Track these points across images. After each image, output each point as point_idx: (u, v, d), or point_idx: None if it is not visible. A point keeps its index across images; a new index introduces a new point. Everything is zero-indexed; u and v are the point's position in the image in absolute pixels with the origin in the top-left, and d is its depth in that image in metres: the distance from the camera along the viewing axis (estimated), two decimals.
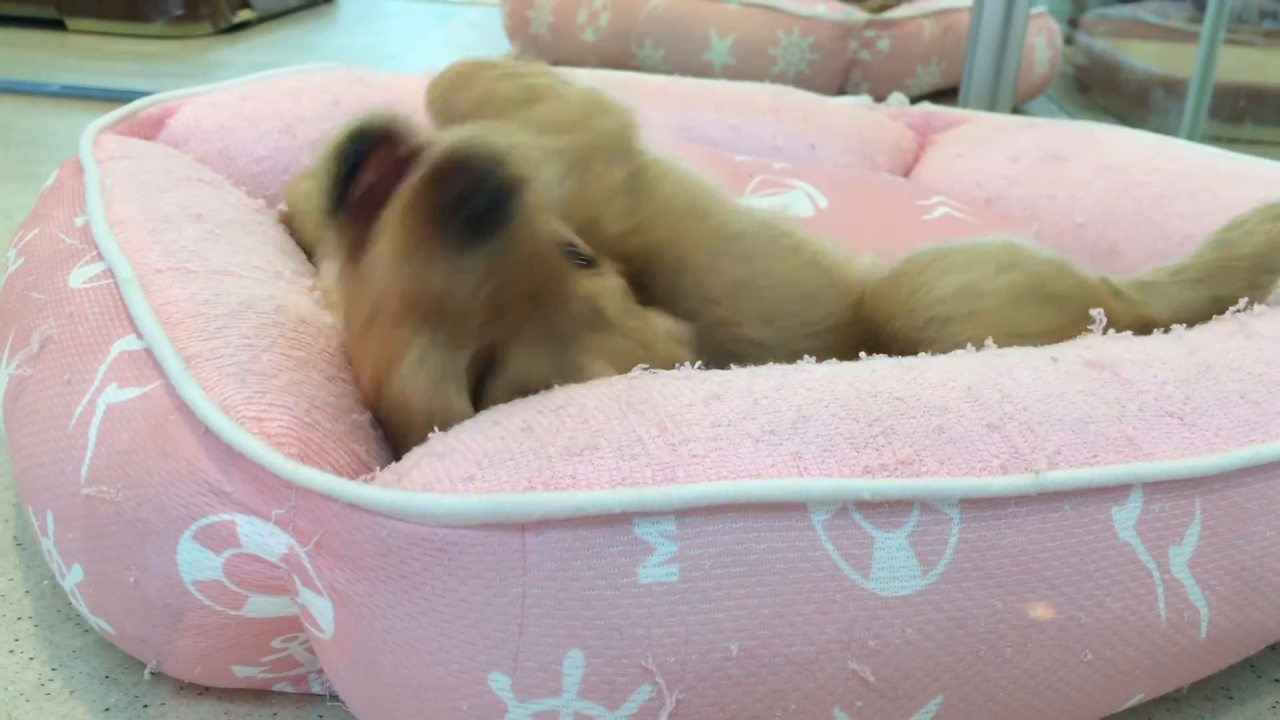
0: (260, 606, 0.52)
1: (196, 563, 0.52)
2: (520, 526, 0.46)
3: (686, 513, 0.47)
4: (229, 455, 0.51)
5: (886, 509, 0.49)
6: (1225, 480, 0.55)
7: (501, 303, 0.50)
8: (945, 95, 2.05)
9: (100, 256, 0.65)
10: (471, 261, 0.47)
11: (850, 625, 0.48)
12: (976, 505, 0.50)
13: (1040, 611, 0.50)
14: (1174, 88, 1.96)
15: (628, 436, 0.49)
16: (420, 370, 0.50)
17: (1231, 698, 0.64)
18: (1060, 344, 0.62)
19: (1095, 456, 0.52)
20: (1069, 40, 2.48)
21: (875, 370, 0.55)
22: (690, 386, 0.52)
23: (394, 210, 0.48)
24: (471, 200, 0.47)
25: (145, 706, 0.59)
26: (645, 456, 0.48)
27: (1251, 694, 0.64)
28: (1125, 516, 0.52)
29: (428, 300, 0.49)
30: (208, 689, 0.60)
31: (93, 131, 0.84)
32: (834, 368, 0.56)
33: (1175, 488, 0.53)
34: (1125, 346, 0.61)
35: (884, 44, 2.05)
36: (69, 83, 1.95)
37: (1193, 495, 0.54)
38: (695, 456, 0.48)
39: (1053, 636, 0.51)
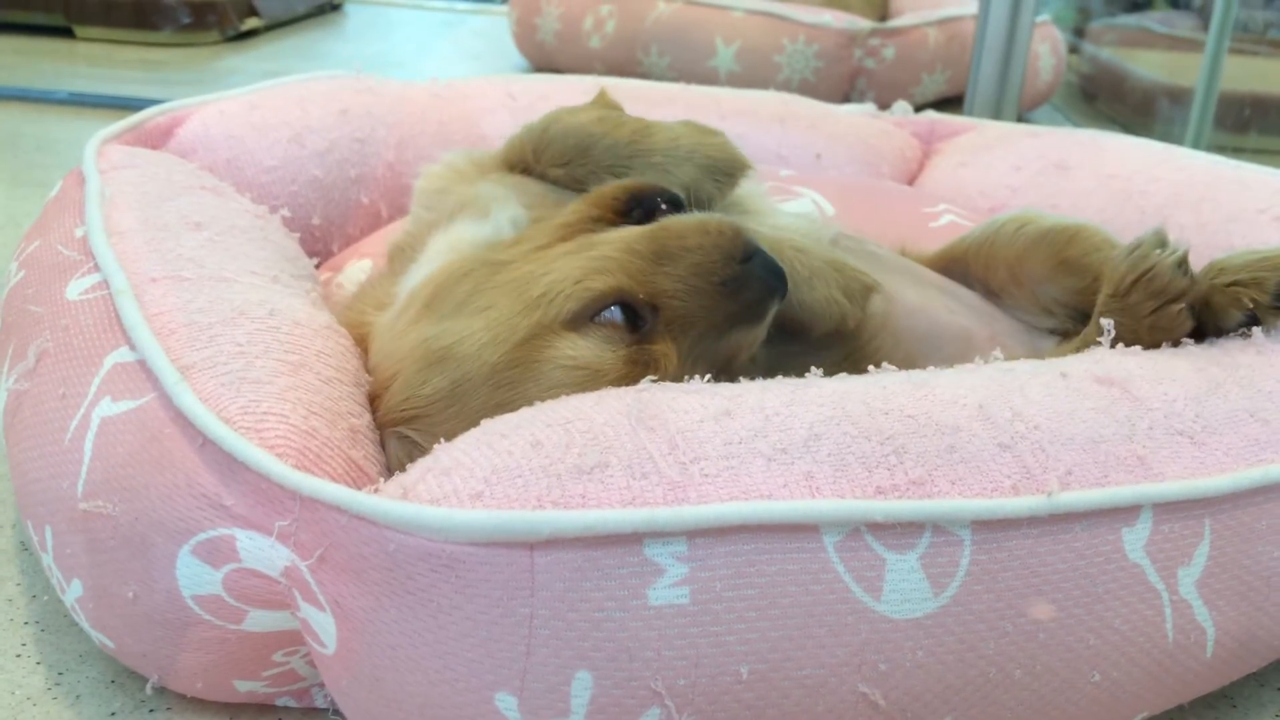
0: (261, 621, 0.52)
1: (196, 577, 0.51)
2: (529, 545, 0.45)
3: (698, 534, 0.46)
4: (229, 467, 0.50)
5: (899, 530, 0.48)
6: (1235, 500, 0.55)
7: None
8: (950, 103, 2.05)
9: (97, 268, 0.64)
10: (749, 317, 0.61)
11: (861, 648, 0.47)
12: (988, 526, 0.49)
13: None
14: (1179, 97, 1.96)
15: (638, 454, 0.48)
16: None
17: (1235, 706, 0.64)
18: (1069, 358, 0.62)
19: (1106, 477, 0.52)
20: (1074, 49, 2.48)
21: (886, 386, 0.55)
22: (700, 402, 0.52)
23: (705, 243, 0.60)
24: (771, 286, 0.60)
25: (150, 711, 0.59)
26: (656, 475, 0.47)
27: (1255, 703, 0.64)
28: (1135, 537, 0.52)
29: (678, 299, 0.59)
30: None
31: (97, 142, 0.84)
32: (845, 383, 0.55)
33: (1185, 508, 0.53)
34: (1135, 362, 0.61)
35: (889, 52, 2.05)
36: (77, 90, 1.95)
37: (1202, 515, 0.54)
38: (707, 476, 0.48)
39: (1061, 658, 0.51)
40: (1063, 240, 0.78)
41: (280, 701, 0.59)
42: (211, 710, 0.59)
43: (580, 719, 0.46)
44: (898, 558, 0.48)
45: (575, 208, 0.67)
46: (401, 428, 0.58)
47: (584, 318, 0.58)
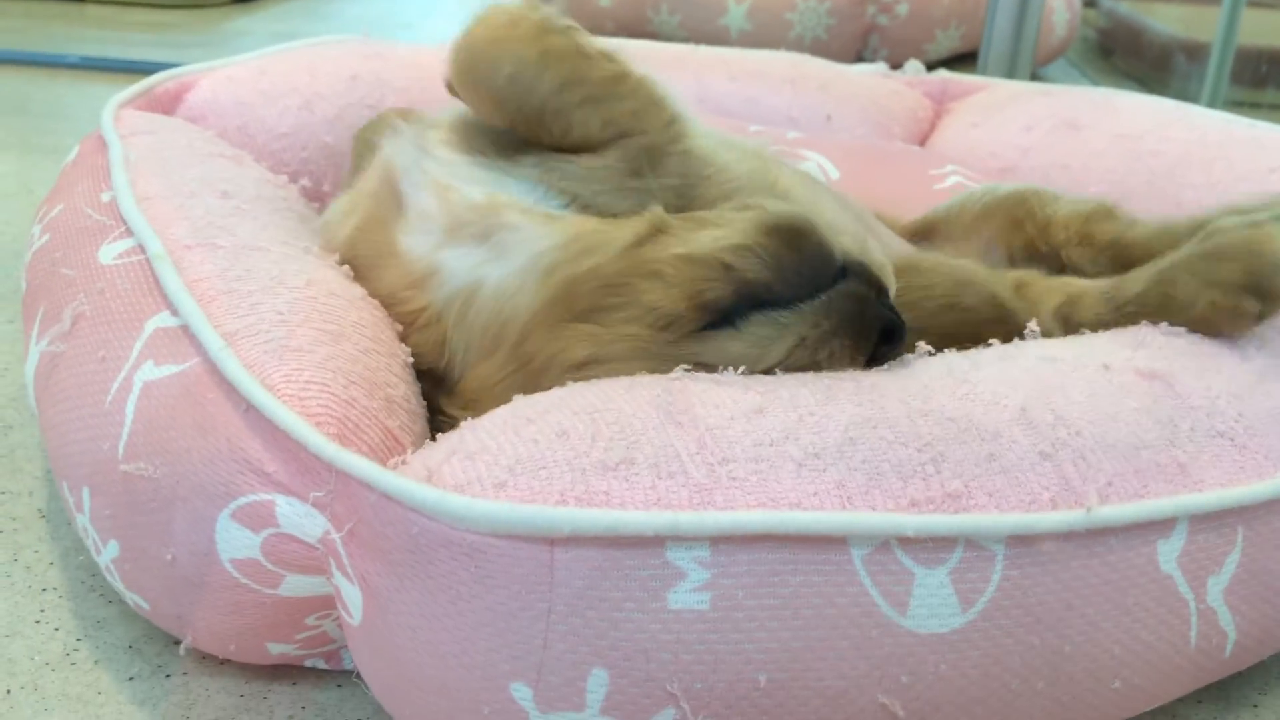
0: (297, 586, 0.52)
1: (234, 541, 0.51)
2: (549, 541, 0.44)
3: (721, 540, 0.45)
4: (270, 434, 0.50)
5: (930, 545, 0.47)
6: (1270, 506, 0.54)
7: None
8: (965, 60, 2.02)
9: (129, 232, 0.64)
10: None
11: (884, 661, 0.47)
12: (1023, 541, 0.48)
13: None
14: (1196, 52, 1.93)
15: (665, 452, 0.47)
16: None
17: (1240, 672, 0.62)
18: (1111, 342, 0.60)
19: (1146, 487, 0.51)
20: (1090, 3, 2.44)
21: (926, 385, 0.53)
22: (732, 396, 0.50)
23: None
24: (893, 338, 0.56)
25: (168, 676, 0.59)
26: (682, 476, 0.46)
27: (1259, 665, 0.63)
28: (1170, 549, 0.51)
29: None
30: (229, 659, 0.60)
31: (113, 107, 0.83)
32: (881, 376, 0.54)
33: (1221, 517, 0.52)
34: (1181, 345, 0.59)
35: (902, 8, 2.02)
36: (87, 54, 1.92)
37: (1236, 524, 0.53)
38: (734, 479, 0.46)
39: (1085, 668, 0.50)
40: (1017, 201, 0.83)
41: (310, 663, 0.59)
42: (227, 674, 0.59)
43: (594, 714, 0.46)
44: (927, 572, 0.47)
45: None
46: None
47: None
